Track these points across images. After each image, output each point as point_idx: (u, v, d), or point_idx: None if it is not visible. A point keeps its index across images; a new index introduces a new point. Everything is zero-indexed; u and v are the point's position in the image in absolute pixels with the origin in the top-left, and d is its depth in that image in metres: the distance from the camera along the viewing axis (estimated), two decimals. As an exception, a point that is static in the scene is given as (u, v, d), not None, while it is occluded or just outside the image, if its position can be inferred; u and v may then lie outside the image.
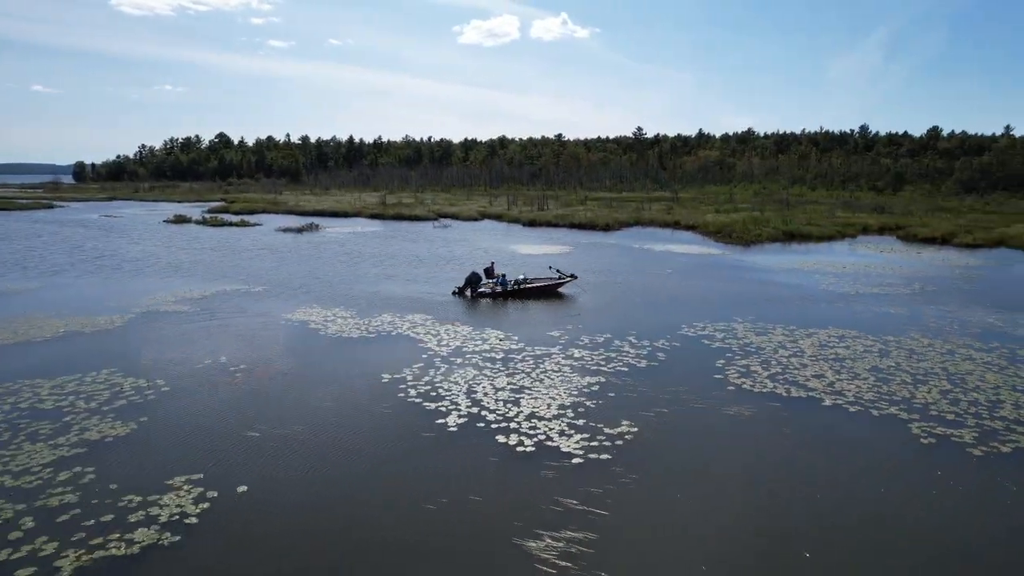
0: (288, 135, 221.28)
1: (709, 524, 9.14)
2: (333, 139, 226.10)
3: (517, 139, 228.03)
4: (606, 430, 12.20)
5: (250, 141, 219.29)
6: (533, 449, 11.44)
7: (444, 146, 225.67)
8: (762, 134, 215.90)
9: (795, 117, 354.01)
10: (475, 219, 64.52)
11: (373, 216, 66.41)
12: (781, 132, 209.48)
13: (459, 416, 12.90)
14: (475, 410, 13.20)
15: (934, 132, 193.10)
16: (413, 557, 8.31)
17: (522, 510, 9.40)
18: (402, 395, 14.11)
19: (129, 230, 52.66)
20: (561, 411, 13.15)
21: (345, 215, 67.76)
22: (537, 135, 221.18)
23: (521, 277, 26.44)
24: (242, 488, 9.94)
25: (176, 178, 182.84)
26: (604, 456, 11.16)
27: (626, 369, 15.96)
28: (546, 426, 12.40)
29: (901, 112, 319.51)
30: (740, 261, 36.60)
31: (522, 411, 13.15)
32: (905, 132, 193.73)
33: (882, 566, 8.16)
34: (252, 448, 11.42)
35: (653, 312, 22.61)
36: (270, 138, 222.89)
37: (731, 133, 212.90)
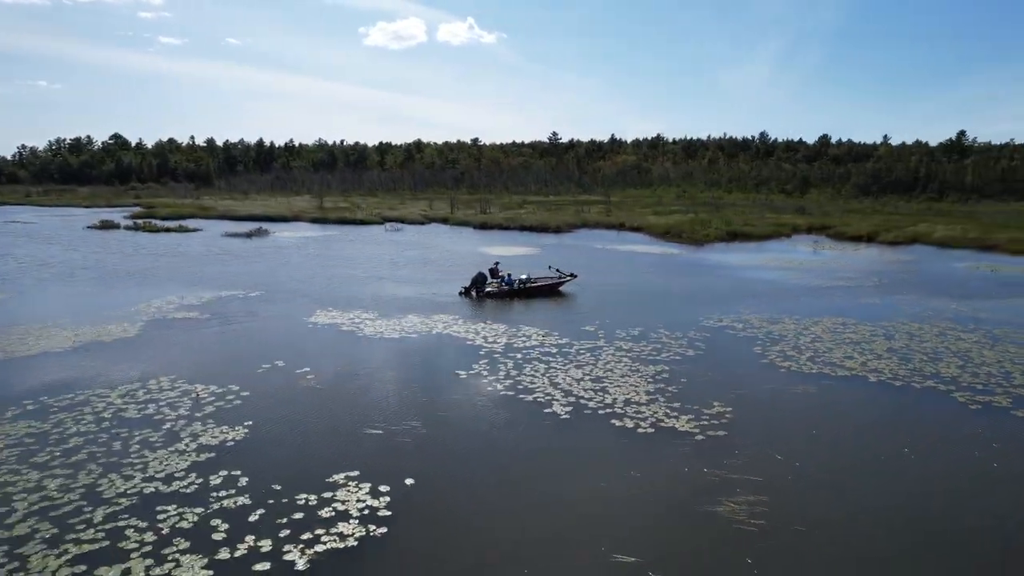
0: (192, 137, 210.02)
1: (850, 478, 10.30)
2: (241, 142, 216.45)
3: (433, 143, 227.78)
4: (705, 411, 13.20)
5: (149, 143, 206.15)
6: (653, 431, 12.26)
7: (359, 150, 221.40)
8: (671, 139, 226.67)
9: (699, 124, 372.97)
10: (421, 223, 64.35)
11: (315, 220, 64.80)
12: (689, 138, 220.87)
13: (562, 405, 13.51)
14: (572, 399, 13.85)
15: (825, 139, 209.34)
16: (616, 529, 8.92)
17: (685, 481, 10.22)
18: (491, 389, 14.54)
19: (56, 237, 48.81)
20: (651, 396, 14.04)
21: (284, 219, 65.68)
22: (450, 139, 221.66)
23: (524, 277, 27.13)
24: (409, 480, 10.16)
25: (65, 181, 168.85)
26: (720, 432, 12.15)
27: (679, 358, 17.07)
28: (648, 410, 13.24)
29: (792, 120, 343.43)
30: (704, 259, 38.91)
31: (615, 398, 13.93)
32: (800, 139, 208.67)
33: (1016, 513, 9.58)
34: (388, 444, 11.58)
35: (663, 307, 23.93)
36: (172, 140, 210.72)
37: (641, 138, 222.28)
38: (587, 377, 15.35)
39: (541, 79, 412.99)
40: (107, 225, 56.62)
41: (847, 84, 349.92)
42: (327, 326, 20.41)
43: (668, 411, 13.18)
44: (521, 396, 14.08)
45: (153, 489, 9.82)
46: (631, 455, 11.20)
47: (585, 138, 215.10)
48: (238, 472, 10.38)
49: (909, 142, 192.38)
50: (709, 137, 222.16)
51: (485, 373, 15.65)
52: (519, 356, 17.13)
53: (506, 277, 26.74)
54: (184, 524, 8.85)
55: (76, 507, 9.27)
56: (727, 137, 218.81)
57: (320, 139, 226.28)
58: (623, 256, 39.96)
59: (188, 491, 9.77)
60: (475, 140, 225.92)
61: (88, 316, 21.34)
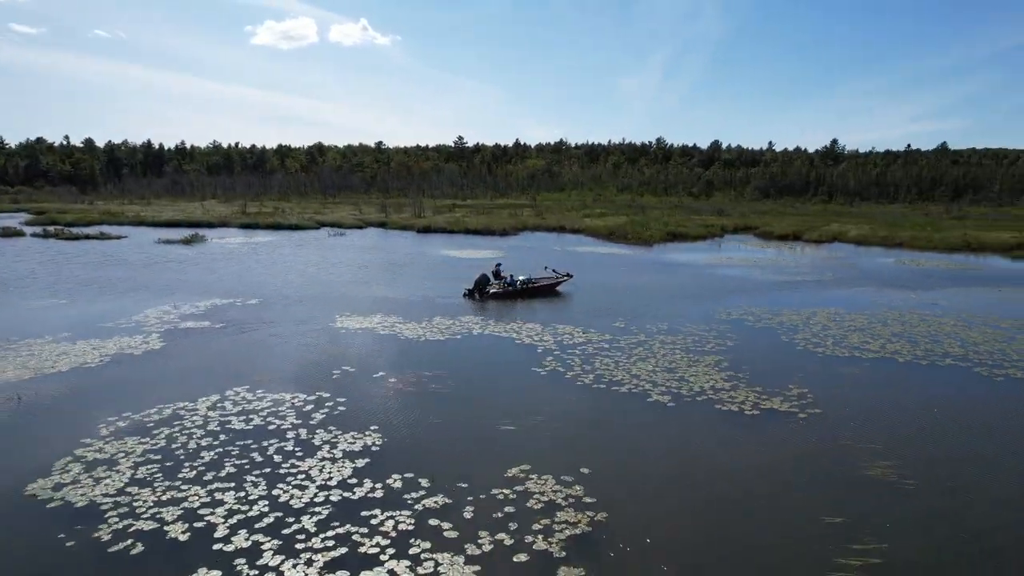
0: (67, 137, 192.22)
1: (962, 439, 11.77)
2: (125, 143, 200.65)
3: (335, 146, 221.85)
4: (787, 393, 14.42)
5: (12, 142, 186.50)
6: (758, 412, 13.30)
7: (257, 153, 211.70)
8: (574, 144, 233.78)
9: (597, 129, 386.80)
10: (359, 227, 63.00)
11: (245, 226, 61.78)
12: (591, 143, 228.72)
13: (659, 394, 14.29)
14: (662, 388, 14.66)
15: (716, 145, 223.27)
16: (804, 498, 9.81)
17: (824, 452, 11.29)
18: (581, 383, 15.08)
19: (-42, 246, 43.72)
20: (730, 383, 15.11)
21: (209, 225, 62.17)
22: (351, 142, 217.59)
23: (525, 277, 27.66)
24: (585, 469, 10.57)
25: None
26: (816, 410, 13.37)
27: (724, 348, 18.33)
28: (739, 395, 14.28)
29: (685, 126, 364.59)
30: (662, 258, 40.99)
31: (700, 385, 14.88)
32: (695, 144, 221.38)
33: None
34: (532, 438, 11.88)
35: (665, 303, 25.26)
36: (41, 140, 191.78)
37: (544, 143, 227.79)
38: (659, 368, 16.22)
39: (439, 83, 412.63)
40: (10, 232, 51.36)
41: (731, 93, 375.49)
42: (362, 330, 20.06)
43: (757, 395, 14.27)
44: (614, 388, 14.71)
45: (340, 496, 9.65)
46: (761, 434, 12.16)
47: (489, 142, 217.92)
48: (411, 474, 10.36)
49: (791, 148, 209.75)
50: (610, 142, 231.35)
51: (562, 369, 16.15)
52: (578, 352, 17.72)
53: (509, 278, 27.18)
54: (405, 526, 8.83)
55: (276, 519, 8.99)
56: (627, 142, 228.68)
57: (214, 141, 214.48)
58: (587, 257, 41.30)
59: (379, 495, 9.69)
60: (379, 144, 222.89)
61: (86, 329, 19.74)
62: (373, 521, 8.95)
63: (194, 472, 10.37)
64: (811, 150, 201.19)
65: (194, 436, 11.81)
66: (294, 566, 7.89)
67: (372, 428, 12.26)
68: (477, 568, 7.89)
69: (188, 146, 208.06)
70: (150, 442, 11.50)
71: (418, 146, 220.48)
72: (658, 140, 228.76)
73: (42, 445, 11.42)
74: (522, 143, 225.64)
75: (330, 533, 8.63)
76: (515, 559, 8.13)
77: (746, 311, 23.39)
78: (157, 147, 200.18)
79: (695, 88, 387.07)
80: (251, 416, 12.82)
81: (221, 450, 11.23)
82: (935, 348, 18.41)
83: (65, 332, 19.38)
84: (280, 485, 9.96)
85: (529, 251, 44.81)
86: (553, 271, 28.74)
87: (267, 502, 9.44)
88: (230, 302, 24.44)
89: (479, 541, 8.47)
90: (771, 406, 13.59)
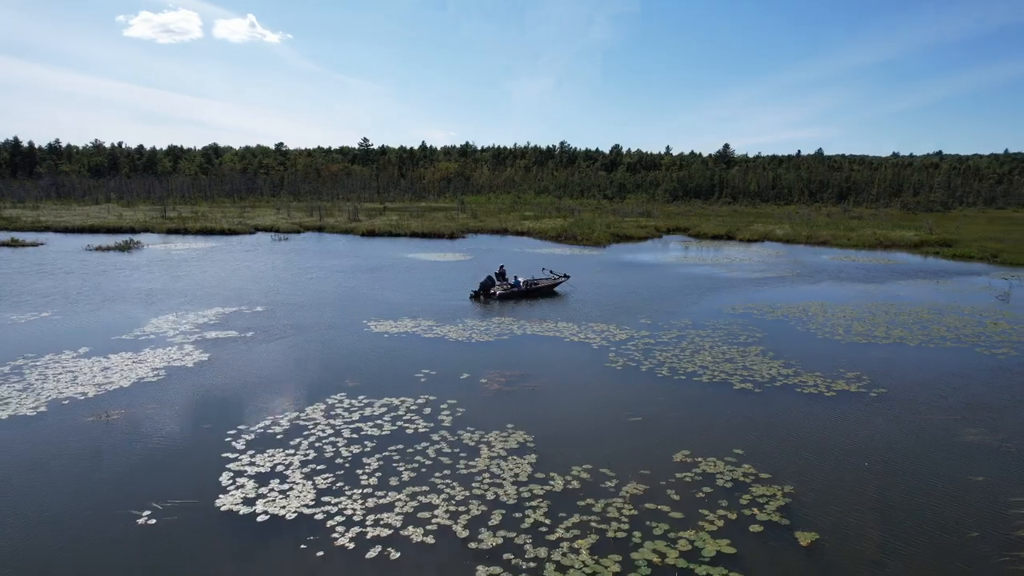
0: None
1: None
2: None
3: (231, 147, 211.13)
4: (845, 376, 16.00)
5: None
6: (835, 394, 14.73)
7: (147, 154, 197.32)
8: (480, 148, 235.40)
9: (496, 133, 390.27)
10: (296, 231, 60.80)
11: (172, 231, 57.94)
12: (497, 146, 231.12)
13: (740, 382, 15.46)
14: (736, 377, 15.84)
15: (617, 149, 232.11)
16: (937, 462, 11.20)
17: (926, 424, 12.82)
18: (661, 375, 15.99)
19: None
20: (788, 368, 16.54)
21: (132, 231, 57.78)
22: (242, 143, 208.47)
23: (528, 279, 28.25)
24: (739, 451, 11.47)
25: None
26: (881, 389, 15.00)
27: (758, 339, 19.85)
28: (807, 379, 15.70)
29: (583, 130, 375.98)
30: (623, 259, 42.73)
31: (764, 373, 16.19)
32: (597, 148, 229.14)
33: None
34: (674, 426, 12.63)
35: (666, 301, 26.69)
36: None
37: (450, 146, 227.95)
38: (718, 359, 17.42)
39: (335, 84, 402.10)
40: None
41: (625, 98, 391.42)
42: (404, 334, 19.96)
43: (821, 379, 15.74)
44: (695, 379, 15.74)
45: (542, 489, 9.99)
46: (855, 411, 13.54)
47: (392, 144, 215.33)
48: (589, 466, 10.83)
49: (686, 152, 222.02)
50: (515, 146, 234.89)
51: (632, 363, 16.99)
52: (631, 348, 18.62)
53: (513, 279, 27.67)
54: (629, 511, 9.34)
55: (502, 516, 9.23)
56: (532, 146, 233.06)
57: (96, 140, 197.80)
58: (551, 258, 42.31)
59: (576, 486, 10.11)
60: (280, 145, 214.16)
61: (101, 343, 18.44)
62: (595, 508, 9.38)
63: (375, 479, 10.31)
64: (705, 154, 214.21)
65: (337, 444, 11.63)
66: (564, 555, 8.23)
67: (509, 426, 12.54)
68: (728, 540, 8.56)
69: (64, 145, 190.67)
70: (298, 453, 11.24)
71: (320, 148, 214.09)
72: (562, 144, 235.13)
73: (187, 463, 10.89)
74: (428, 146, 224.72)
75: (568, 523, 8.99)
76: (751, 529, 8.87)
77: (746, 306, 25.21)
78: (27, 145, 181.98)
79: (591, 94, 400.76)
80: (377, 421, 12.72)
81: (380, 455, 11.17)
82: (930, 333, 20.82)
83: (83, 347, 17.97)
84: (473, 485, 10.13)
85: (490, 253, 45.27)
86: (551, 272, 29.50)
87: (477, 501, 9.62)
88: (236, 310, 23.38)
89: (708, 518, 9.14)
90: (842, 388, 15.08)
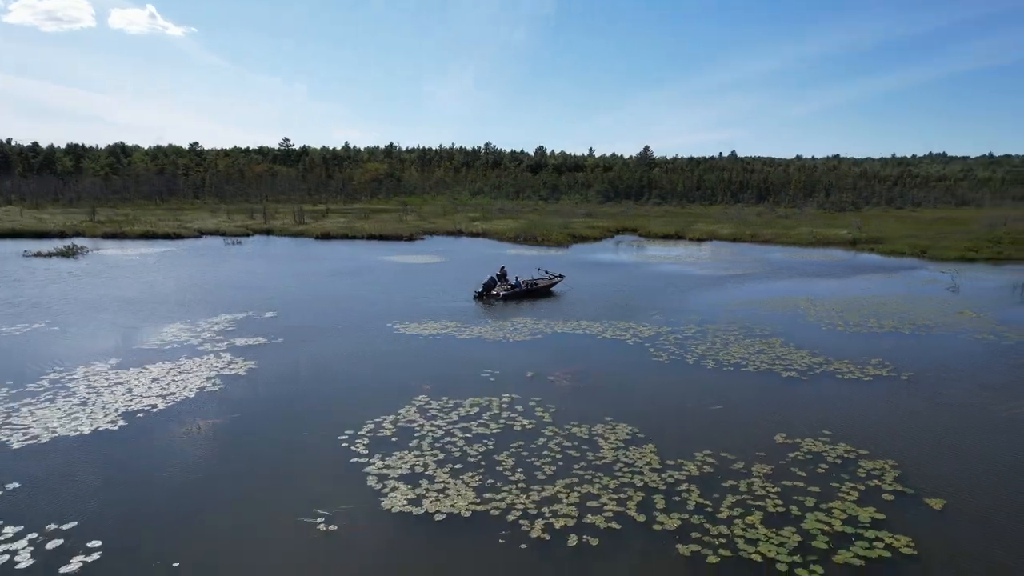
0: None
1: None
2: None
3: (138, 146, 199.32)
4: (870, 362, 17.58)
5: None
6: (871, 379, 16.22)
7: (43, 152, 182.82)
8: (405, 148, 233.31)
9: (415, 133, 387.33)
10: (245, 235, 58.55)
11: (108, 236, 54.43)
12: (423, 147, 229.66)
13: (784, 371, 16.71)
14: (778, 366, 17.10)
15: (541, 151, 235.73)
16: (984, 432, 12.72)
17: (968, 399, 14.40)
18: (710, 367, 17.04)
19: None
20: (817, 358, 17.95)
21: (62, 235, 53.85)
22: (143, 142, 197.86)
23: (528, 279, 28.80)
24: (828, 431, 12.58)
25: None
26: (910, 372, 16.61)
27: (774, 331, 21.30)
28: (841, 366, 17.14)
29: (507, 131, 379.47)
30: (593, 258, 43.97)
31: (800, 363, 17.55)
32: (522, 150, 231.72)
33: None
34: (749, 412, 13.62)
35: (664, 298, 27.95)
36: None
37: (374, 147, 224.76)
38: (751, 351, 18.66)
39: (246, 81, 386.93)
40: None
41: (546, 100, 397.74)
42: (439, 336, 20.14)
43: (852, 366, 17.23)
44: (743, 369, 16.89)
45: (694, 473, 10.68)
46: (898, 393, 15.00)
47: (314, 144, 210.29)
48: (708, 450, 11.61)
49: (608, 154, 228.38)
50: (441, 147, 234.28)
51: (676, 357, 17.96)
52: (665, 343, 19.59)
53: (515, 280, 28.18)
54: (773, 489, 10.18)
55: (700, 503, 9.85)
56: (458, 147, 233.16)
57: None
58: (523, 259, 42.96)
59: (710, 471, 10.85)
60: (194, 145, 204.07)
61: (130, 353, 17.63)
62: (742, 488, 10.15)
63: (521, 474, 10.69)
64: (627, 155, 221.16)
65: (457, 444, 11.87)
66: (744, 530, 8.95)
67: (608, 419, 13.14)
68: (873, 508, 9.53)
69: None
70: (426, 454, 11.41)
71: (238, 148, 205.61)
72: (487, 145, 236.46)
73: (323, 470, 10.88)
74: (352, 147, 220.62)
75: (728, 502, 9.72)
76: (884, 497, 9.90)
77: (739, 302, 26.84)
78: None
79: (511, 95, 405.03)
80: (479, 420, 13.02)
81: (507, 452, 11.53)
82: (916, 322, 22.99)
83: (110, 358, 17.11)
84: (617, 474, 10.69)
85: (458, 254, 45.42)
86: (546, 272, 30.18)
87: (631, 488, 10.20)
88: (245, 315, 22.71)
89: (843, 491, 10.10)
90: (875, 373, 16.61)
